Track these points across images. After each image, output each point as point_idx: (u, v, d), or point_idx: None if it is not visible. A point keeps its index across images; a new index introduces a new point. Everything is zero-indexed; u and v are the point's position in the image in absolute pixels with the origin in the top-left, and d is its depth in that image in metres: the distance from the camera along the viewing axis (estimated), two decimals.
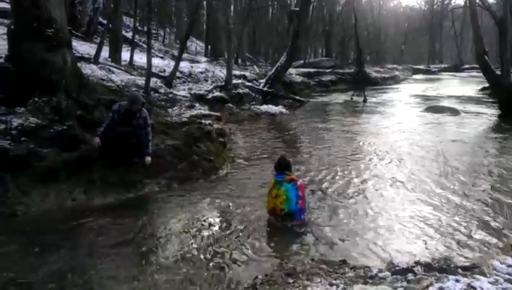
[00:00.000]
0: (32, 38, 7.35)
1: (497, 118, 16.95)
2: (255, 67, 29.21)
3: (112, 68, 14.30)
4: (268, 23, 39.51)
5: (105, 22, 19.35)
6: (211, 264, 4.58)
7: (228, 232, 5.44)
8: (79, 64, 9.53)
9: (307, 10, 24.47)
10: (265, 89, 20.20)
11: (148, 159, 7.01)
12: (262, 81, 21.26)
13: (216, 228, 5.57)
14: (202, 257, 4.74)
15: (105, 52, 16.11)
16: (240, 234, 5.38)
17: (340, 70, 32.52)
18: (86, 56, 14.53)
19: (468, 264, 3.76)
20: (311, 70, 30.86)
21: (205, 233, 5.37)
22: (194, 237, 5.26)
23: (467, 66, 50.89)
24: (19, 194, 5.96)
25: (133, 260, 4.62)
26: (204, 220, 5.78)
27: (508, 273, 3.34)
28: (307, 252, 4.90)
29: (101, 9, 22.06)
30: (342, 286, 3.37)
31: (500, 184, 7.65)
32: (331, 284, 3.41)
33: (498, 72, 19.28)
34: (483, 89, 27.05)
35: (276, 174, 5.70)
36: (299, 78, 27.42)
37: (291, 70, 25.95)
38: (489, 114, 17.91)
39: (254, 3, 34.49)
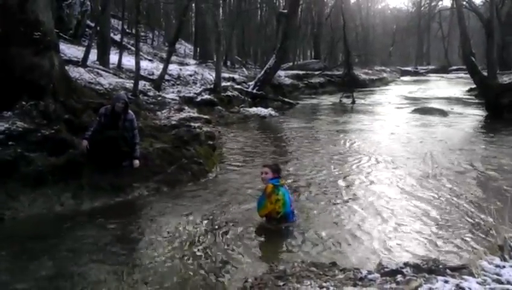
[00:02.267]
0: (19, 42, 7.29)
1: (484, 118, 17.14)
2: (244, 69, 29.25)
3: (100, 71, 14.20)
4: (257, 25, 39.48)
5: (93, 24, 19.25)
6: (200, 268, 4.56)
7: (218, 235, 5.42)
8: (67, 68, 9.47)
9: (296, 12, 24.52)
10: (254, 91, 20.23)
11: (136, 162, 6.98)
12: (252, 83, 21.29)
13: (206, 231, 5.54)
14: (192, 260, 4.72)
15: (93, 55, 16.01)
16: (230, 237, 5.37)
17: (329, 73, 32.72)
18: (74, 59, 14.43)
19: (456, 264, 3.78)
20: (300, 72, 30.92)
21: (195, 237, 5.35)
22: (183, 240, 5.23)
23: (454, 67, 51.48)
24: (6, 198, 5.91)
25: (122, 265, 4.58)
26: (194, 224, 5.76)
27: (496, 274, 3.35)
28: (297, 254, 4.90)
29: (88, 12, 21.95)
30: (332, 288, 3.37)
31: (487, 184, 7.72)
32: (321, 287, 3.41)
33: (485, 74, 19.50)
34: (470, 90, 27.39)
35: (271, 178, 5.63)
36: (288, 81, 27.48)
37: (280, 73, 26.00)
38: (477, 115, 18.12)
39: (243, 5, 34.53)
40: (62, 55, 10.37)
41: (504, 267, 3.45)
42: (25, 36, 7.31)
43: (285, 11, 23.18)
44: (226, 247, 5.07)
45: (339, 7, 34.69)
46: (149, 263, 4.65)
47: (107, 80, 13.33)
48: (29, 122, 6.77)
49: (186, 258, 4.78)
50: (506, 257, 3.66)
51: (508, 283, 3.20)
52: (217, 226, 5.69)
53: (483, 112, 18.40)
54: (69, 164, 6.62)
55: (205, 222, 5.85)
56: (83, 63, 13.93)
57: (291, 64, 34.56)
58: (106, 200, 6.59)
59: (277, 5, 39.42)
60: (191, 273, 4.44)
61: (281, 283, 3.58)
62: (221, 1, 27.62)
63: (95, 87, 11.60)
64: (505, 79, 18.91)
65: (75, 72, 11.91)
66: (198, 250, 4.98)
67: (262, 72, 21.75)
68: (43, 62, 7.51)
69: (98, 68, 14.61)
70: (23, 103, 7.02)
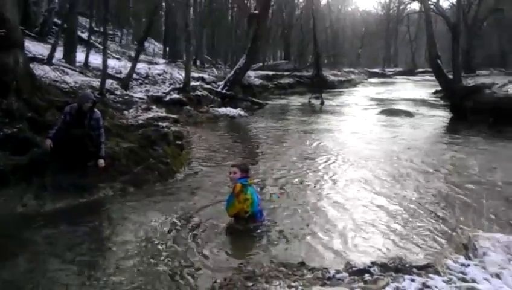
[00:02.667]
0: None
1: (449, 120, 17.51)
2: (214, 69, 29.14)
3: (65, 69, 13.94)
4: (227, 26, 39.42)
5: (60, 22, 18.85)
6: (168, 269, 4.49)
7: (186, 235, 5.35)
8: (31, 65, 9.24)
9: (267, 13, 24.54)
10: (224, 91, 20.13)
11: (101, 161, 6.79)
12: (221, 83, 21.17)
13: (173, 232, 5.46)
14: (159, 261, 4.65)
15: (59, 53, 15.71)
16: (198, 237, 5.31)
17: (298, 74, 32.97)
18: (39, 57, 14.11)
19: (422, 263, 3.83)
20: (270, 73, 31.02)
21: (162, 237, 5.27)
22: (150, 241, 5.15)
23: (420, 70, 52.73)
24: None
25: (85, 267, 4.47)
26: (161, 224, 5.67)
27: (462, 272, 3.41)
28: (266, 254, 4.88)
29: (56, 9, 21.49)
30: (300, 287, 3.37)
31: (452, 184, 7.86)
32: (290, 287, 3.40)
33: (450, 76, 19.96)
34: (436, 92, 27.98)
35: (240, 177, 5.56)
36: (257, 81, 27.49)
37: (250, 73, 25.97)
38: (442, 116, 18.50)
39: (214, 5, 34.41)
40: (27, 52, 10.14)
41: (469, 265, 3.51)
42: None
43: (256, 12, 23.18)
44: (193, 247, 5.01)
45: (310, 9, 34.98)
46: (115, 264, 4.55)
47: (73, 78, 13.10)
48: None
49: (153, 259, 4.70)
50: (471, 255, 3.73)
51: (473, 281, 3.25)
52: (184, 227, 5.61)
53: (448, 114, 18.78)
54: (32, 163, 6.43)
55: (172, 222, 5.75)
56: (48, 60, 13.64)
57: (261, 64, 34.60)
58: (70, 201, 6.40)
59: (248, 5, 39.46)
60: (159, 274, 4.37)
61: (250, 283, 3.55)
62: (192, 0, 27.44)
63: (60, 85, 11.38)
64: (469, 82, 19.41)
65: (40, 70, 11.66)
66: (166, 251, 4.90)
67: (232, 72, 21.66)
68: (7, 59, 7.33)
69: (63, 66, 14.35)
70: None
